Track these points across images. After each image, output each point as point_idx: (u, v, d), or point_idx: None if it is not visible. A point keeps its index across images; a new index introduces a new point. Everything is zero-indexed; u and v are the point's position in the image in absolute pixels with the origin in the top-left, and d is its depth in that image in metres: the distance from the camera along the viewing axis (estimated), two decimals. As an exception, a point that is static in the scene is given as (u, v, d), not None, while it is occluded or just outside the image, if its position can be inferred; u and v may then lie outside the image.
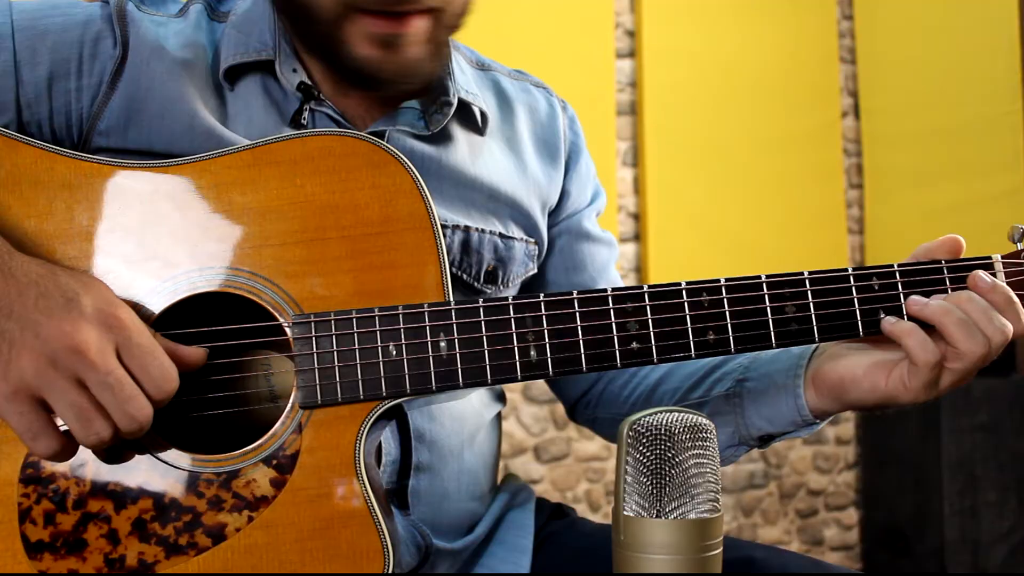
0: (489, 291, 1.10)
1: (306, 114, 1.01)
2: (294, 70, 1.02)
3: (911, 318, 0.93)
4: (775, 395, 1.02)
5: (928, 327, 0.92)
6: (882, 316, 0.94)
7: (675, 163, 3.41)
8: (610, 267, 1.25)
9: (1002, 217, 3.16)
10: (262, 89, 1.02)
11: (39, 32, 0.97)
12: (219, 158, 0.91)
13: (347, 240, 0.90)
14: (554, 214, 1.20)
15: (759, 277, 0.93)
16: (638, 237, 3.40)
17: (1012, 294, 0.93)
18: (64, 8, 1.00)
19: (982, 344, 0.90)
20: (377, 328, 0.88)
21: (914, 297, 0.94)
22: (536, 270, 1.17)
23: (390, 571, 0.86)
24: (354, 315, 0.88)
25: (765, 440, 1.06)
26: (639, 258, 3.40)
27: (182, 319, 0.88)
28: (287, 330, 0.88)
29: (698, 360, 1.12)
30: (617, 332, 0.90)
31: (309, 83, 1.01)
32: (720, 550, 0.69)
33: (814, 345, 1.02)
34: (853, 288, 0.94)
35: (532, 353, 0.90)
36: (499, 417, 1.19)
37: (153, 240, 0.89)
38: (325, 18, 0.94)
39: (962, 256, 0.98)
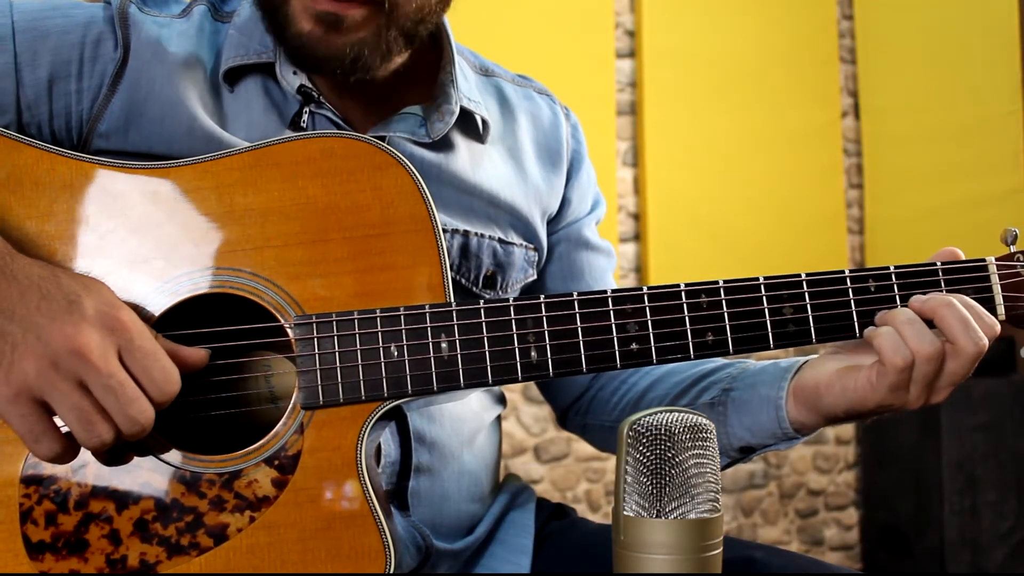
0: (488, 296, 1.10)
1: (306, 117, 1.01)
2: (294, 72, 1.02)
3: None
4: (758, 405, 1.02)
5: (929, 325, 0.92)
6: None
7: (675, 163, 3.41)
8: (608, 276, 1.25)
9: (1002, 217, 3.16)
10: (262, 91, 1.02)
11: (40, 33, 0.97)
12: (221, 159, 0.91)
13: (349, 241, 0.90)
14: (554, 222, 1.20)
15: (757, 279, 0.93)
16: (638, 237, 3.40)
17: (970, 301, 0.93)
18: (65, 9, 1.00)
19: (974, 342, 0.90)
20: (379, 329, 0.88)
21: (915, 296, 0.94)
22: (535, 276, 1.17)
23: (391, 571, 0.86)
24: (356, 316, 0.88)
25: (746, 451, 1.06)
26: (639, 258, 3.40)
27: (183, 320, 0.89)
28: (289, 331, 0.89)
29: (688, 368, 1.13)
30: (617, 333, 0.91)
31: (309, 86, 1.02)
32: (720, 550, 0.69)
33: (802, 359, 1.03)
34: (850, 290, 0.95)
35: (533, 354, 0.90)
36: (499, 420, 1.19)
37: (154, 241, 0.89)
38: None
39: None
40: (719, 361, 1.12)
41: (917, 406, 0.94)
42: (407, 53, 1.02)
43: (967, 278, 0.97)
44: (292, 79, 1.01)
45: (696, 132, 3.44)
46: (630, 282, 3.36)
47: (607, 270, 1.25)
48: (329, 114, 1.02)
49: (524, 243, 1.14)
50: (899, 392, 0.92)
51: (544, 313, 0.90)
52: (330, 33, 0.95)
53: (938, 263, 0.97)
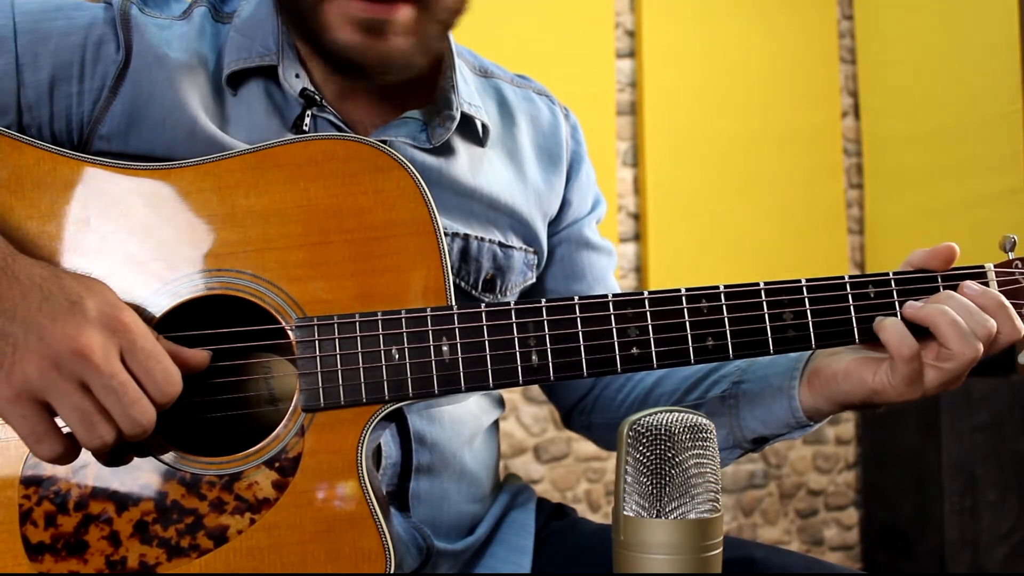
0: (487, 300, 1.10)
1: (308, 120, 1.01)
2: (296, 75, 1.02)
3: (906, 321, 0.94)
4: (770, 397, 1.03)
5: (926, 333, 0.93)
6: None
7: (675, 163, 3.41)
8: (609, 275, 1.25)
9: (1002, 217, 3.17)
10: (264, 94, 1.02)
11: (42, 35, 0.97)
12: (222, 161, 0.91)
13: (350, 244, 0.90)
14: (554, 223, 1.20)
15: (757, 284, 0.93)
16: (638, 237, 3.40)
17: (1002, 298, 0.94)
18: (67, 11, 1.00)
19: (972, 346, 0.91)
20: (380, 332, 0.88)
21: (910, 302, 0.94)
22: (535, 279, 1.17)
23: (391, 571, 0.86)
24: (357, 319, 0.88)
25: (759, 442, 1.07)
26: (639, 258, 3.40)
27: (184, 322, 0.89)
28: (290, 333, 0.89)
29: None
30: (618, 338, 0.91)
31: (311, 89, 1.01)
32: (720, 550, 0.69)
33: (811, 352, 1.03)
34: (850, 296, 0.95)
35: (533, 358, 0.90)
36: (497, 423, 1.19)
37: (155, 242, 0.89)
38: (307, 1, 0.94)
39: (956, 262, 0.99)
40: None
41: (934, 392, 0.95)
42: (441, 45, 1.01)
43: None
44: (294, 82, 1.01)
45: (696, 132, 3.44)
46: (630, 282, 3.36)
47: (608, 269, 1.25)
48: (331, 117, 1.02)
49: (524, 246, 1.14)
50: (916, 383, 0.93)
51: (545, 317, 0.90)
52: (375, 39, 0.94)
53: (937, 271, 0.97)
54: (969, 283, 0.95)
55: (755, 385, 1.05)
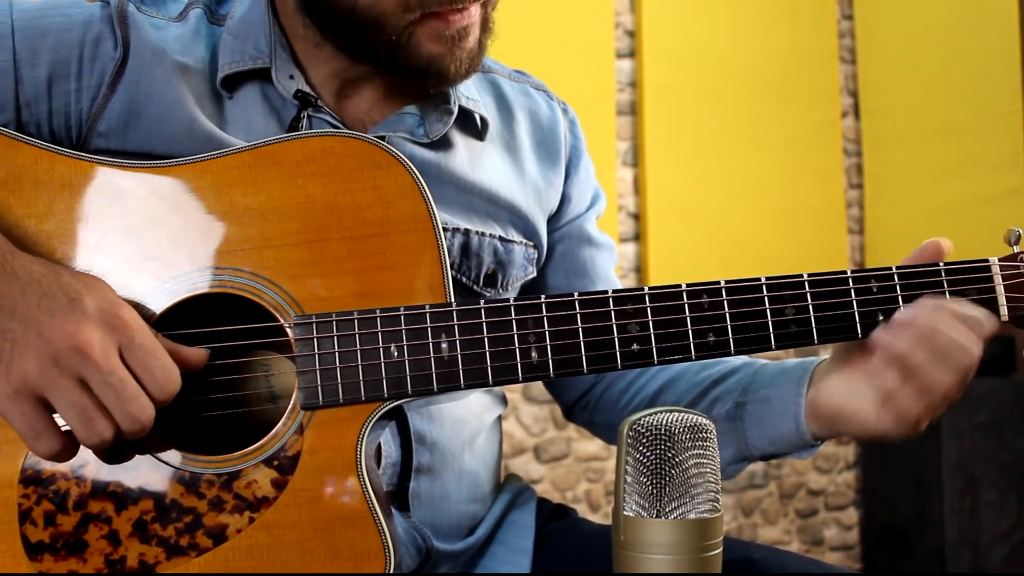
0: (488, 294, 1.10)
1: (304, 121, 1.01)
2: (291, 77, 1.01)
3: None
4: (778, 420, 1.01)
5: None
6: (880, 319, 0.94)
7: (675, 163, 3.41)
8: (611, 271, 1.25)
9: (1002, 217, 3.16)
10: (261, 96, 1.02)
11: (39, 32, 0.97)
12: (220, 158, 0.91)
13: (349, 241, 0.90)
14: (554, 219, 1.20)
15: (759, 279, 0.93)
16: (638, 237, 3.40)
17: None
18: (65, 8, 1.00)
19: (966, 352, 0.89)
20: (379, 329, 0.88)
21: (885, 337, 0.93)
22: (535, 273, 1.17)
23: (391, 571, 0.86)
24: (355, 316, 0.88)
25: (766, 457, 1.06)
26: (639, 258, 3.40)
27: (183, 320, 0.88)
28: (288, 331, 0.88)
29: (697, 371, 1.12)
30: (618, 334, 0.90)
31: (306, 90, 1.01)
32: (720, 550, 0.69)
33: (811, 362, 1.02)
34: (852, 290, 0.94)
35: (533, 354, 0.90)
36: (500, 420, 1.19)
37: (154, 240, 0.89)
38: (393, 26, 0.95)
39: (949, 257, 0.98)
40: (727, 363, 1.12)
41: (912, 423, 0.92)
42: None
43: (970, 279, 0.96)
44: (288, 84, 1.01)
45: (696, 132, 3.44)
46: (630, 282, 3.36)
47: (610, 265, 1.25)
48: (327, 117, 1.02)
49: (524, 240, 1.14)
50: (902, 418, 0.91)
51: (545, 313, 0.90)
52: (455, 47, 0.96)
53: (941, 263, 0.96)
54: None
55: (760, 406, 1.04)
